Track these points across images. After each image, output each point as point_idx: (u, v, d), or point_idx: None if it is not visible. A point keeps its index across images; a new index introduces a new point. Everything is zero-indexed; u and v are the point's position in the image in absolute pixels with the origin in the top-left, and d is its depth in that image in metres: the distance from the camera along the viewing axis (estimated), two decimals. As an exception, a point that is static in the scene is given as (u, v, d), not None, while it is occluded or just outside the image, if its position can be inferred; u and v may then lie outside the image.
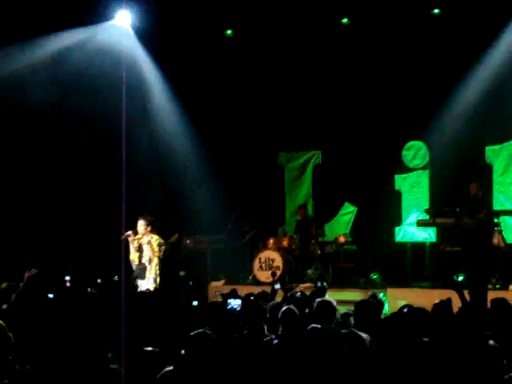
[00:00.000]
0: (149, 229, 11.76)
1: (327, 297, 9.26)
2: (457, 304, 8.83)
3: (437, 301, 8.49)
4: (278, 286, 10.40)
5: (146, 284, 11.47)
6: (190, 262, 14.86)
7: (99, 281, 11.06)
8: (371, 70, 15.56)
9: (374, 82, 15.62)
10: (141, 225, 11.73)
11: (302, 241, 15.24)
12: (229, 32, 15.94)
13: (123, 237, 11.50)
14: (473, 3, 13.86)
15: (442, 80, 14.95)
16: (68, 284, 11.64)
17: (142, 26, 14.73)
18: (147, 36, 15.12)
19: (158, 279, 11.74)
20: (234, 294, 9.67)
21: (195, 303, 9.24)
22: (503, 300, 8.02)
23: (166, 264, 12.44)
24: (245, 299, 9.12)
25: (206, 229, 15.94)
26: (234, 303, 8.82)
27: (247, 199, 16.38)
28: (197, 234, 15.63)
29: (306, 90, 16.14)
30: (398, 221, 16.02)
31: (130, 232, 11.61)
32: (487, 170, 15.26)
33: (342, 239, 15.34)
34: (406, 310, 7.57)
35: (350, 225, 16.46)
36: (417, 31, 14.74)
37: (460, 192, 14.04)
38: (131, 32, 14.78)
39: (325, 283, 10.59)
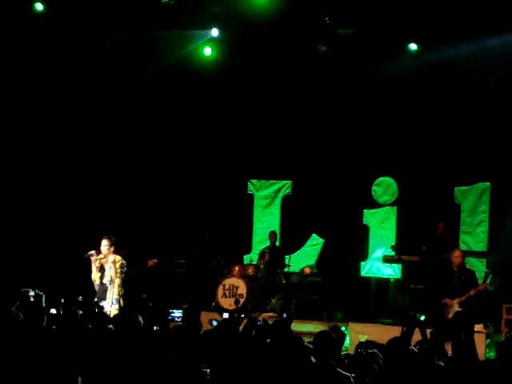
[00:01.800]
0: (112, 249, 11.61)
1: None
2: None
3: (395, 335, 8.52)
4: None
5: (107, 305, 11.33)
6: (153, 285, 14.71)
7: (62, 300, 10.98)
8: (345, 104, 15.66)
9: (348, 116, 15.72)
10: (104, 245, 11.55)
11: (267, 270, 15.19)
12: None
13: (86, 256, 11.38)
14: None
15: (414, 118, 15.09)
16: (31, 299, 11.52)
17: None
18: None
19: (122, 301, 11.56)
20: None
21: (155, 328, 9.17)
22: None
23: (131, 286, 12.36)
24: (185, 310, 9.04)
25: (170, 252, 15.85)
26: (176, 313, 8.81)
27: (215, 225, 16.35)
28: (161, 257, 15.49)
29: (280, 120, 16.19)
30: (364, 255, 16.04)
31: (93, 251, 11.47)
32: (455, 210, 15.36)
33: (307, 270, 15.33)
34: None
35: (316, 256, 16.44)
36: (390, 68, 14.85)
37: (427, 230, 14.13)
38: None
39: (285, 314, 10.47)
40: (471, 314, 11.35)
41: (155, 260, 13.40)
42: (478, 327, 12.30)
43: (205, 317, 11.75)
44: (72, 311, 8.95)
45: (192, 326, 8.77)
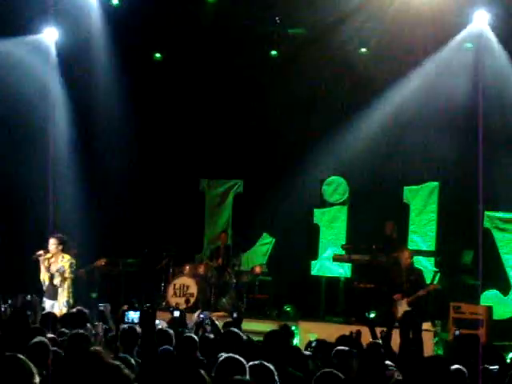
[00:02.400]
0: (60, 248, 11.48)
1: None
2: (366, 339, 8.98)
3: (347, 333, 8.59)
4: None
5: (57, 305, 11.23)
6: (103, 285, 14.62)
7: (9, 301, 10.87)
8: (295, 105, 15.72)
9: (298, 114, 15.78)
10: (52, 243, 11.43)
11: (218, 269, 15.18)
12: (157, 56, 15.93)
13: (34, 257, 11.26)
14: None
15: (366, 119, 15.22)
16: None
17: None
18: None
19: (72, 301, 11.46)
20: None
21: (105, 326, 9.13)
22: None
23: (80, 285, 12.29)
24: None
25: (120, 252, 15.76)
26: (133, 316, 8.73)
27: (166, 224, 16.32)
28: (112, 257, 15.39)
29: (231, 120, 16.18)
30: (314, 254, 16.12)
31: (41, 252, 11.33)
32: (404, 210, 15.52)
33: (258, 270, 15.37)
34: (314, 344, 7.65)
35: (267, 256, 16.49)
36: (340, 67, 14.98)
37: (377, 230, 14.28)
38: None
39: (235, 314, 10.42)
40: (419, 312, 11.50)
41: (104, 260, 13.30)
42: (425, 325, 12.46)
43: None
44: (20, 311, 8.87)
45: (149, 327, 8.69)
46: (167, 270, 15.40)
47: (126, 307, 10.17)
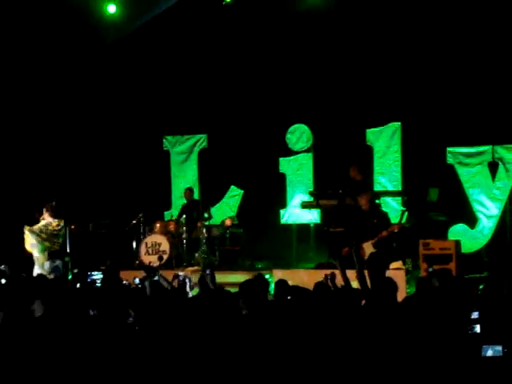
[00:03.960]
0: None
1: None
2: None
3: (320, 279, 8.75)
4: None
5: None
6: (75, 248, 14.63)
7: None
8: (254, 52, 15.68)
9: (257, 64, 15.74)
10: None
11: (188, 224, 15.23)
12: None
13: None
14: None
15: (324, 62, 15.24)
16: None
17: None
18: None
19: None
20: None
21: (78, 285, 9.25)
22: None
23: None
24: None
25: (90, 214, 15.77)
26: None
27: (133, 184, 16.33)
28: (82, 220, 15.41)
29: (191, 73, 16.11)
30: (283, 203, 16.23)
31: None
32: (368, 152, 15.64)
33: (228, 222, 15.45)
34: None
35: (237, 208, 16.56)
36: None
37: (342, 174, 14.39)
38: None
39: (208, 271, 10.45)
40: (386, 253, 11.65)
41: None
42: (396, 264, 12.67)
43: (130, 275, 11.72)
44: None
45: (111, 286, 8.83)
46: (137, 229, 15.40)
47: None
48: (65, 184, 16.02)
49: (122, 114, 16.54)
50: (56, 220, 12.39)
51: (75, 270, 12.83)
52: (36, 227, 12.29)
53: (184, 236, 15.17)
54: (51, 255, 12.36)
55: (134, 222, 15.32)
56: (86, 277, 13.01)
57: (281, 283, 8.28)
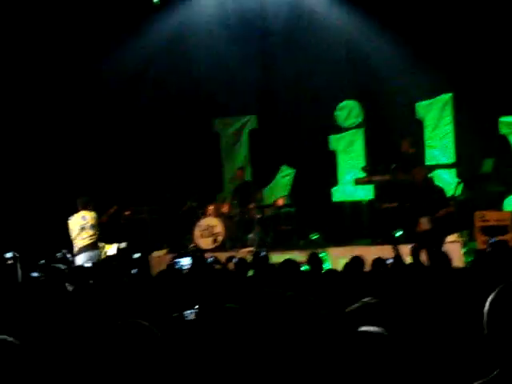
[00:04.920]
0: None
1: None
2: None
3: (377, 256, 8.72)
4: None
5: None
6: (131, 234, 14.78)
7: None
8: (304, 30, 15.62)
9: (305, 43, 15.66)
10: None
11: (241, 206, 15.24)
12: None
13: None
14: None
15: (375, 37, 15.10)
16: (10, 261, 11.58)
17: None
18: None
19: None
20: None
21: (134, 271, 9.28)
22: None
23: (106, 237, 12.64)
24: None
25: (144, 199, 15.90)
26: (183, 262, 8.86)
27: (185, 169, 16.39)
28: (135, 206, 15.55)
29: (238, 55, 16.02)
30: (334, 181, 16.18)
31: None
32: (419, 126, 15.50)
33: (280, 202, 15.41)
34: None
35: (289, 187, 16.54)
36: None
37: (394, 149, 14.28)
38: None
39: (263, 252, 10.47)
40: (443, 229, 11.56)
41: (115, 207, 13.55)
42: (452, 237, 12.54)
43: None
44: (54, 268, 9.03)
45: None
46: (191, 213, 15.48)
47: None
48: (117, 171, 16.15)
49: (170, 98, 16.56)
50: (91, 212, 12.51)
51: (137, 255, 13.00)
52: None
53: (237, 218, 15.21)
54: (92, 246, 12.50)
55: (187, 205, 15.42)
56: (146, 262, 13.25)
57: (356, 260, 8.34)
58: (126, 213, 15.06)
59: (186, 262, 9.26)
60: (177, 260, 9.60)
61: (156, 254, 14.70)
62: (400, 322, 4.86)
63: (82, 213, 12.36)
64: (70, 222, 12.41)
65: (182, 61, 16.45)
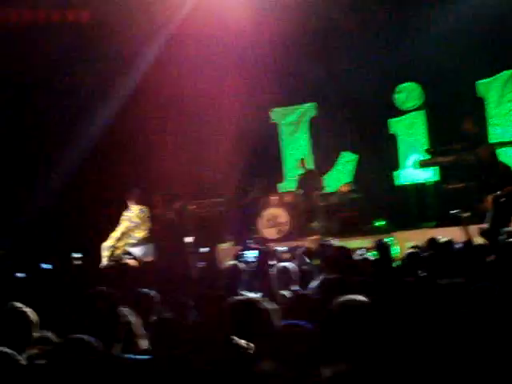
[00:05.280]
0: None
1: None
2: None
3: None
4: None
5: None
6: (197, 228, 14.85)
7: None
8: (358, 18, 15.45)
9: (361, 26, 15.51)
10: None
11: (304, 194, 15.22)
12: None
13: None
14: None
15: (425, 17, 14.89)
16: (78, 262, 11.82)
17: None
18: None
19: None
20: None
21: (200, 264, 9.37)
22: None
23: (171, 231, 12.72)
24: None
25: (206, 193, 15.97)
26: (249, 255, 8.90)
27: (245, 160, 16.39)
28: (199, 199, 15.63)
29: (295, 45, 15.95)
30: (395, 164, 16.05)
31: None
32: (480, 104, 15.27)
33: (344, 188, 15.35)
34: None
35: (352, 173, 16.45)
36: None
37: (457, 128, 14.10)
38: None
39: (331, 241, 10.37)
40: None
41: (181, 203, 13.66)
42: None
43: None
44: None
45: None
46: (254, 204, 15.49)
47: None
48: (178, 165, 16.22)
49: (231, 89, 16.53)
50: (140, 207, 12.67)
51: (204, 249, 13.14)
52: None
53: (302, 206, 15.17)
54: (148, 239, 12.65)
55: (249, 196, 15.44)
56: (213, 255, 13.34)
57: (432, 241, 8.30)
58: (192, 207, 15.13)
59: (251, 254, 9.31)
60: (243, 253, 9.65)
61: (222, 246, 14.78)
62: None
63: (138, 206, 12.57)
64: (128, 214, 12.57)
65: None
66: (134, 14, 14.52)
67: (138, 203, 12.70)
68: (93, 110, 15.63)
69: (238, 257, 10.58)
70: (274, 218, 14.83)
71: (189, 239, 14.11)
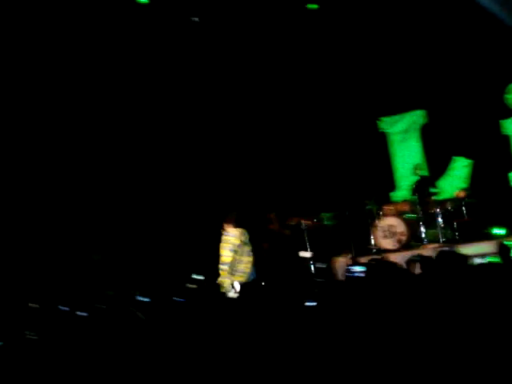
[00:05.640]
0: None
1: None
2: None
3: None
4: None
5: None
6: (313, 243, 14.86)
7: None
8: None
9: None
10: None
11: (420, 202, 14.98)
12: None
13: None
14: None
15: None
16: (198, 286, 11.97)
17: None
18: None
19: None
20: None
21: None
22: None
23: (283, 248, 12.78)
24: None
25: (319, 208, 15.95)
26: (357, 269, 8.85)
27: (354, 172, 16.32)
28: (313, 215, 15.63)
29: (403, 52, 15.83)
30: (510, 166, 15.67)
31: None
32: None
33: (461, 194, 15.04)
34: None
35: (468, 178, 16.14)
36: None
37: None
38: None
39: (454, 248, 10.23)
40: None
41: (295, 219, 13.68)
42: None
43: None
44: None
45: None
46: (369, 215, 15.35)
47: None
48: (291, 182, 16.28)
49: (335, 101, 16.52)
50: (239, 230, 12.72)
51: (321, 265, 13.12)
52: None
53: (418, 214, 14.93)
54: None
55: (365, 208, 15.31)
56: (329, 269, 13.31)
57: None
58: (307, 222, 15.14)
59: (359, 269, 9.26)
60: (351, 267, 9.65)
61: (338, 259, 14.71)
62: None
63: (239, 229, 12.64)
64: (228, 237, 12.65)
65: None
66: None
67: (236, 226, 12.75)
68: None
69: (346, 271, 10.55)
70: (391, 228, 14.65)
71: (306, 254, 14.18)
